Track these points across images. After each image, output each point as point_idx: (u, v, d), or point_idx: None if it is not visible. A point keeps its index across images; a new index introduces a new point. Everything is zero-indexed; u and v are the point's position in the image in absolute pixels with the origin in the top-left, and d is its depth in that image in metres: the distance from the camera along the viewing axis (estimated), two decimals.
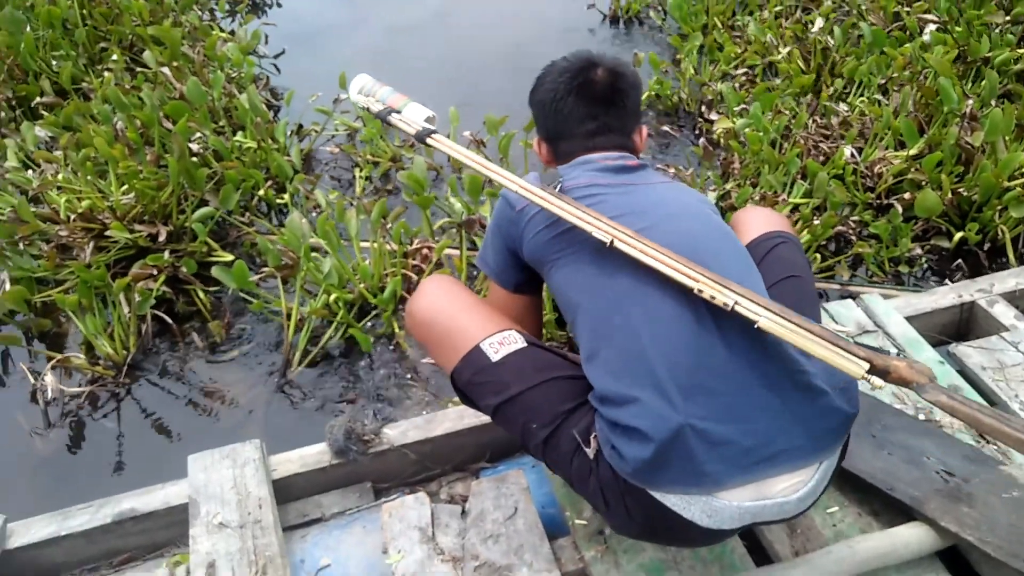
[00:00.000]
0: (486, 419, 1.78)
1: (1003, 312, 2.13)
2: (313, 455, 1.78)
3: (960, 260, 2.67)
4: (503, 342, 1.43)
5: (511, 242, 1.50)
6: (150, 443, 2.23)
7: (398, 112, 1.72)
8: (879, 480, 1.62)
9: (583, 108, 1.50)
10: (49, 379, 2.33)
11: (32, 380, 2.36)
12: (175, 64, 3.24)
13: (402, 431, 1.82)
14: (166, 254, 2.57)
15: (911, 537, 1.52)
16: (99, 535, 1.66)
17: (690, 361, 1.26)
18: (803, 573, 1.47)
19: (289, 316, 2.37)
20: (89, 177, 2.72)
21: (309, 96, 3.31)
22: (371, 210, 2.58)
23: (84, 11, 3.65)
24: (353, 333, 2.34)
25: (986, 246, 2.67)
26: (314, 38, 4.15)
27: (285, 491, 1.75)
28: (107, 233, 2.59)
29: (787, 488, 1.30)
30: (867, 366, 1.20)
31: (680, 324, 1.27)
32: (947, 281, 2.56)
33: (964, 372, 1.97)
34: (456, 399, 2.23)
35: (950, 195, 2.65)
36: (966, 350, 2.01)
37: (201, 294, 2.55)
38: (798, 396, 1.25)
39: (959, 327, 2.22)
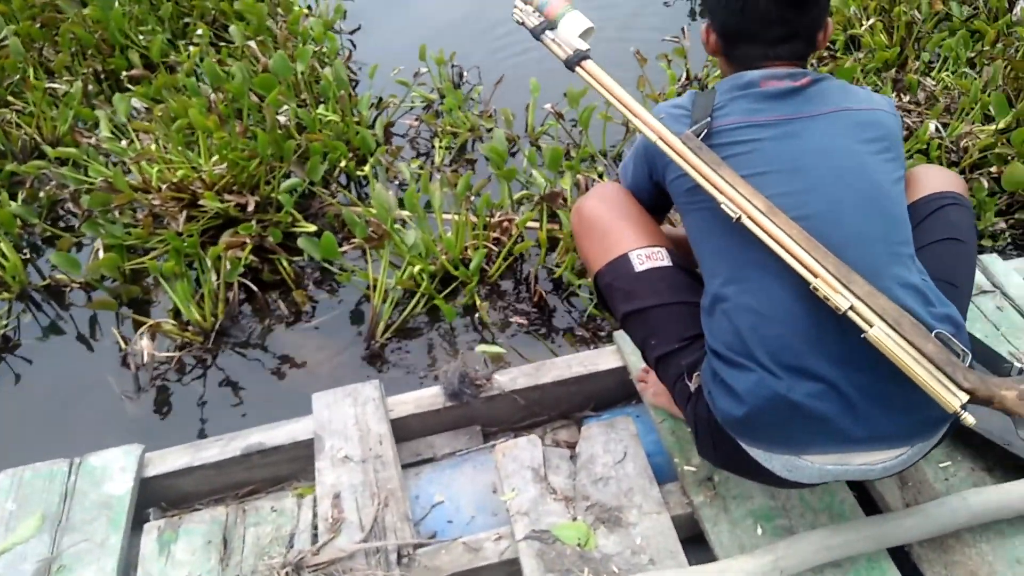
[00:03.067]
0: (592, 368, 1.89)
1: None
2: (428, 397, 1.86)
3: None
4: (650, 256, 1.48)
5: (655, 172, 1.50)
6: (238, 408, 2.30)
7: (553, 28, 1.55)
8: (996, 436, 1.60)
9: (776, 10, 1.36)
10: (145, 343, 2.39)
11: (123, 345, 2.45)
12: (259, 38, 3.30)
13: (512, 377, 1.88)
14: (253, 224, 2.63)
15: None
16: (228, 467, 1.76)
17: (800, 340, 1.27)
18: (917, 523, 1.47)
19: (374, 287, 2.42)
20: (180, 148, 2.79)
21: (391, 70, 3.34)
22: (454, 182, 2.61)
23: None
24: (438, 304, 2.38)
25: None
26: (389, 13, 4.18)
27: (400, 431, 1.83)
28: (199, 203, 2.66)
29: (873, 460, 1.33)
30: (966, 398, 1.18)
31: (796, 302, 1.28)
32: None
33: None
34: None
35: None
36: None
37: (285, 263, 2.62)
38: (909, 383, 1.23)
39: None
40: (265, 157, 2.69)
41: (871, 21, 3.35)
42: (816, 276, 1.23)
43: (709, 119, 1.36)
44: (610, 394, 1.91)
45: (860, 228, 1.29)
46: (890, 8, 3.44)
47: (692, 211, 1.40)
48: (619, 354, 1.89)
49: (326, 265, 2.61)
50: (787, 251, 1.25)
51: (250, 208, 2.67)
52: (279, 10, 3.70)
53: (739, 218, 1.28)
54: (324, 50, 3.42)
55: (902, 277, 1.28)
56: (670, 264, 1.47)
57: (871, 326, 1.20)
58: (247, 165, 2.70)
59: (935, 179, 1.56)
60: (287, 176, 2.77)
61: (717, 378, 1.33)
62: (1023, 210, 2.67)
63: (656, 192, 1.53)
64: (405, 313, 2.44)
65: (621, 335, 1.91)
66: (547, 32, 1.55)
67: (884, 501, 1.57)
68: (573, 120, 3.07)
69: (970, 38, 3.12)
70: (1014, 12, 3.24)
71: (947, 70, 3.11)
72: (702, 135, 1.35)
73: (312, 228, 2.72)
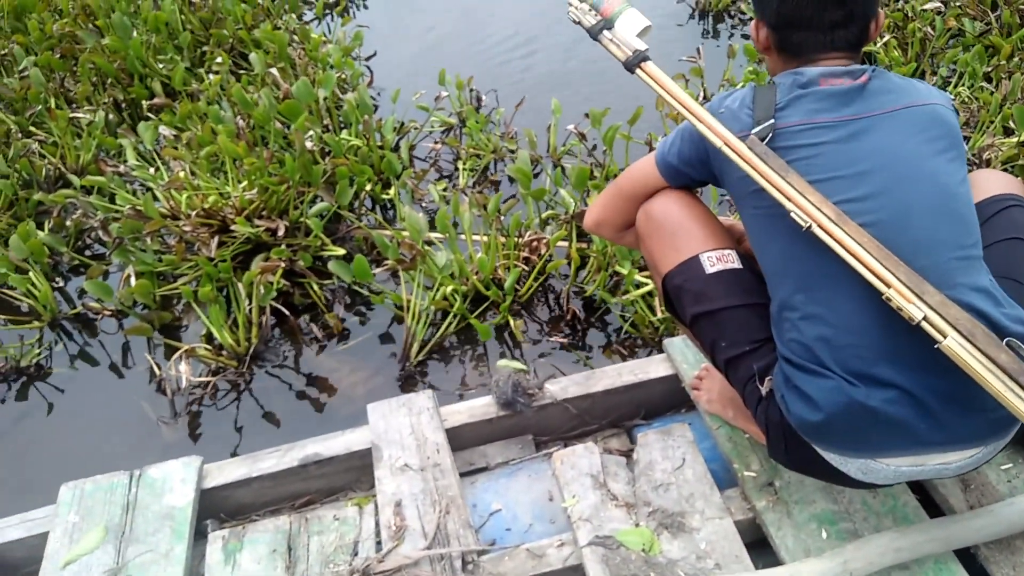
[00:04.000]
0: (643, 377, 1.89)
1: None
2: (481, 407, 1.87)
3: None
4: (721, 258, 1.47)
5: (712, 164, 1.46)
6: (276, 432, 2.30)
7: (610, 27, 1.51)
8: None
9: None
10: (183, 368, 2.41)
11: (157, 370, 2.45)
12: (280, 66, 3.33)
13: (563, 387, 1.89)
14: (284, 248, 2.64)
15: None
16: (285, 477, 1.77)
17: (872, 351, 1.27)
18: (985, 523, 1.48)
19: (407, 308, 2.42)
20: (208, 174, 2.81)
21: (411, 94, 3.37)
22: (483, 203, 2.63)
23: (183, 16, 3.77)
24: (472, 323, 2.39)
25: None
26: (397, 40, 4.23)
27: (453, 440, 1.82)
28: (230, 228, 2.66)
29: (948, 460, 1.33)
30: None
31: (867, 313, 1.27)
32: None
33: None
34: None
35: None
36: None
37: (316, 287, 2.62)
38: None
39: None
40: (295, 182, 2.71)
41: (886, 38, 3.40)
42: (889, 286, 1.22)
43: (773, 120, 1.34)
44: (660, 402, 1.92)
45: (930, 234, 1.28)
46: (903, 25, 3.49)
47: (756, 215, 1.39)
48: (669, 362, 1.90)
49: (356, 288, 2.62)
50: (859, 260, 1.24)
51: (280, 233, 2.69)
52: (295, 37, 3.74)
53: (809, 227, 1.26)
54: (344, 76, 3.45)
55: (973, 281, 1.28)
56: (741, 266, 1.47)
57: (945, 337, 1.19)
58: (277, 190, 2.72)
59: (996, 182, 1.57)
60: (315, 200, 2.79)
61: (790, 384, 1.32)
62: None
63: (703, 178, 1.52)
64: (439, 334, 2.44)
65: (671, 343, 1.92)
66: (604, 32, 1.52)
67: (948, 504, 1.57)
68: (595, 142, 3.08)
69: (985, 53, 3.16)
70: None
71: (963, 85, 3.15)
72: (767, 138, 1.33)
73: (341, 251, 2.73)
